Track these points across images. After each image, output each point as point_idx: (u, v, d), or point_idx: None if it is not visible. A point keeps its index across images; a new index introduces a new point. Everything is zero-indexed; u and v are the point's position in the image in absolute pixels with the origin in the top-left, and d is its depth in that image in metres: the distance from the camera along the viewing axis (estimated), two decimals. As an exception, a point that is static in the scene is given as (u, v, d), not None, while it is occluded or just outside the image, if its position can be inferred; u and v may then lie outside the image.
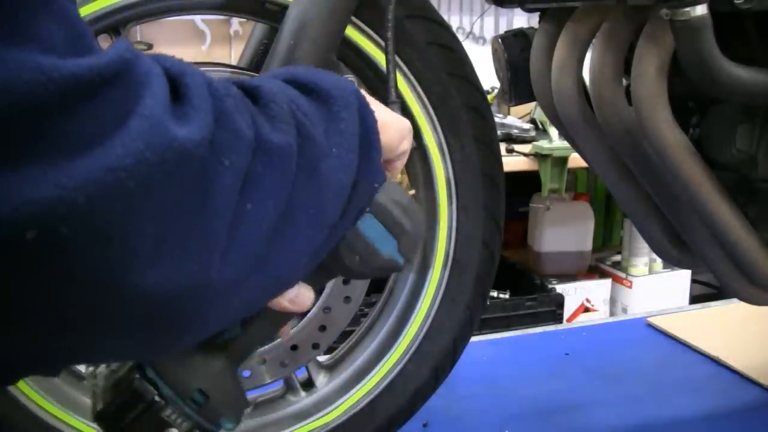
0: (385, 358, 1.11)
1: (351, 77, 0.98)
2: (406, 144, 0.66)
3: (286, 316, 0.68)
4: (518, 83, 1.16)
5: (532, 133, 2.85)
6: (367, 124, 0.57)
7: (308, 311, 1.08)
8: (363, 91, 0.59)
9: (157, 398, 0.64)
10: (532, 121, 2.97)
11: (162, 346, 0.48)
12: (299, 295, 0.63)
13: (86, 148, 0.37)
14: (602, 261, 3.30)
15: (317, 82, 0.56)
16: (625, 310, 3.13)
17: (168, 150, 0.40)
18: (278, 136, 0.49)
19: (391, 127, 0.62)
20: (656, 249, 1.24)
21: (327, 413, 1.10)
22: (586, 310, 3.10)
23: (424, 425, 1.28)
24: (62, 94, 0.36)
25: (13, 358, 0.42)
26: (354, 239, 0.61)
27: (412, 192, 1.04)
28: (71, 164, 0.37)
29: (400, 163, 0.67)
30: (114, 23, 0.92)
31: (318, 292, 1.08)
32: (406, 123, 0.66)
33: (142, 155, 0.39)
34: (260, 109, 0.50)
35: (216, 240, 0.44)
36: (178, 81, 0.44)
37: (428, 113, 1.05)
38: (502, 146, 2.56)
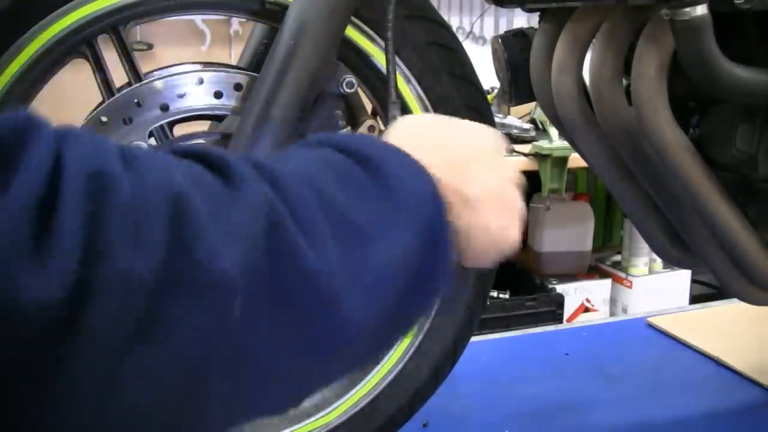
0: (385, 358, 1.11)
1: (351, 77, 0.98)
2: (493, 259, 0.53)
3: None
4: (518, 83, 1.16)
5: (532, 133, 2.85)
6: (437, 252, 0.44)
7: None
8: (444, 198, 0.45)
9: None
10: (532, 121, 2.96)
11: None
12: None
13: None
14: (602, 261, 3.30)
15: (381, 169, 0.42)
16: (625, 310, 3.13)
17: (5, 308, 0.30)
18: (223, 259, 0.35)
19: (486, 241, 0.49)
20: (656, 249, 1.24)
21: (327, 413, 1.10)
22: (586, 310, 3.09)
23: (424, 425, 1.28)
24: None
25: None
26: None
27: None
28: None
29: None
30: (114, 23, 0.92)
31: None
32: (512, 243, 0.53)
33: None
34: (218, 208, 0.36)
35: (75, 403, 0.33)
36: (58, 182, 0.32)
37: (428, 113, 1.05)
38: (502, 146, 2.55)
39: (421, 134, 0.50)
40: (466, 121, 0.53)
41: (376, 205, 0.41)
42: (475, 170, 0.49)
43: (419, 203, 0.43)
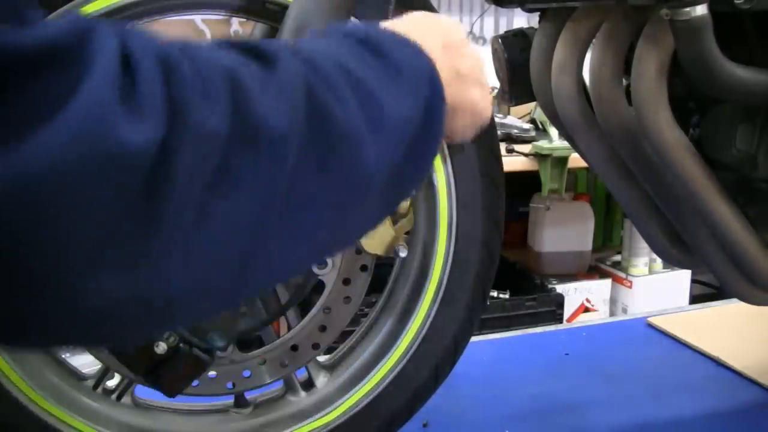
0: (385, 358, 1.11)
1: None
2: (473, 132, 0.63)
3: None
4: (518, 83, 1.16)
5: (532, 133, 2.85)
6: (434, 118, 0.53)
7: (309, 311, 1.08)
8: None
9: None
10: (532, 121, 2.96)
11: (127, 343, 0.45)
12: None
13: (7, 139, 0.33)
14: (602, 261, 3.30)
15: (388, 50, 0.51)
16: (625, 310, 3.13)
17: (107, 153, 0.35)
18: (276, 117, 0.42)
19: (473, 114, 0.59)
20: (656, 249, 1.24)
21: (327, 413, 1.10)
22: (586, 310, 3.09)
23: (424, 425, 1.28)
24: None
25: None
26: None
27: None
28: None
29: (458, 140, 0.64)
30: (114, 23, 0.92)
31: (318, 292, 1.08)
32: (488, 113, 0.63)
33: (76, 151, 0.34)
34: (263, 78, 0.43)
35: (169, 247, 0.39)
36: (131, 62, 0.38)
37: (428, 113, 1.05)
38: (502, 146, 2.56)
39: (418, 24, 0.60)
40: (438, 15, 0.65)
41: (388, 79, 0.50)
42: (461, 50, 0.59)
43: (421, 79, 0.52)
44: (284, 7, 0.93)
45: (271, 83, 0.43)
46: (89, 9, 0.89)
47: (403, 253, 1.03)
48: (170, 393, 0.69)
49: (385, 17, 0.94)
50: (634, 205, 1.19)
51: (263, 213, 0.43)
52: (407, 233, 1.05)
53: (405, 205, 1.03)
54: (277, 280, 0.52)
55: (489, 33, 3.43)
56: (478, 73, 0.62)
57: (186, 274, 0.41)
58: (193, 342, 0.66)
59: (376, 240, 1.02)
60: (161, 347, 0.65)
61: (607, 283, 3.16)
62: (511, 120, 2.90)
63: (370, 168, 0.48)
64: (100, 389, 1.07)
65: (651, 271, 3.15)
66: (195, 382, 1.05)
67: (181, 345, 0.65)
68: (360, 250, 1.04)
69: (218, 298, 0.45)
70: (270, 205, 0.43)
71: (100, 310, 0.38)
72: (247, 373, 1.07)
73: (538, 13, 1.12)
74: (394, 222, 1.02)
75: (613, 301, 3.18)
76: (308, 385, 1.13)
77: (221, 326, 0.67)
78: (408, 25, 0.58)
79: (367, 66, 0.49)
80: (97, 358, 1.03)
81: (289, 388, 1.13)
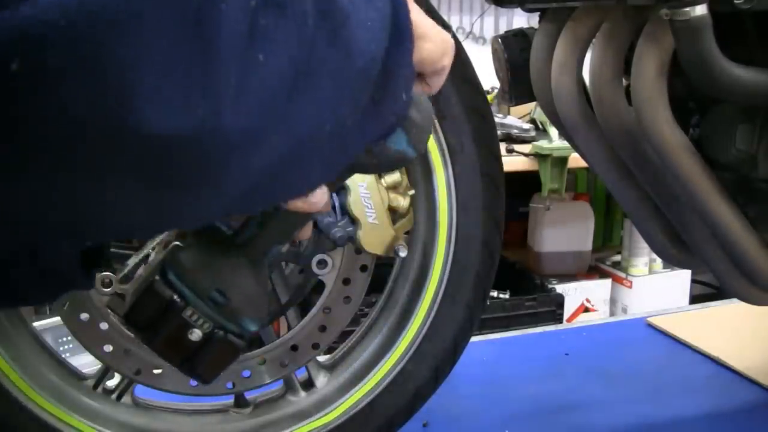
0: (385, 358, 1.11)
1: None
2: (447, 60, 0.64)
3: (302, 217, 0.68)
4: (518, 83, 1.16)
5: (532, 133, 2.85)
6: (400, 14, 0.55)
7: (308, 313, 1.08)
8: None
9: (176, 299, 0.65)
10: (532, 121, 2.97)
11: (178, 204, 0.45)
12: (313, 194, 0.61)
13: None
14: (602, 261, 3.30)
15: None
16: (625, 310, 3.14)
17: None
18: None
19: (433, 38, 0.60)
20: (656, 249, 1.24)
21: (327, 413, 1.10)
22: (586, 310, 3.10)
23: (424, 425, 1.28)
24: None
25: (25, 218, 0.40)
26: None
27: (412, 192, 1.04)
28: None
29: (439, 80, 0.65)
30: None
31: (318, 292, 1.08)
32: (449, 38, 0.64)
33: None
34: None
35: (222, 84, 0.41)
36: None
37: (428, 113, 1.05)
38: (502, 146, 2.56)
39: None
40: None
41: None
42: None
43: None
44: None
45: None
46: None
47: (403, 253, 1.03)
48: (207, 380, 0.70)
49: None
50: (634, 205, 1.19)
51: (293, 69, 0.45)
52: (407, 233, 1.05)
53: (405, 205, 1.03)
54: (314, 153, 0.51)
55: (489, 33, 3.43)
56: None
57: (235, 114, 0.42)
58: (228, 327, 0.66)
59: (376, 240, 1.02)
60: (196, 334, 0.65)
61: (607, 283, 3.17)
62: (511, 120, 2.90)
63: (371, 47, 0.51)
64: (100, 389, 1.07)
65: (651, 271, 3.15)
66: (194, 382, 1.06)
67: (215, 331, 0.66)
68: (360, 250, 1.04)
69: (266, 158, 0.46)
70: (298, 62, 0.45)
71: (158, 141, 0.39)
72: (247, 373, 1.07)
73: (538, 13, 1.12)
74: (394, 222, 1.02)
75: (613, 301, 3.18)
76: (308, 385, 1.13)
77: (253, 310, 0.67)
78: None
79: None
80: (100, 360, 1.03)
81: (289, 388, 1.13)
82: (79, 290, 0.78)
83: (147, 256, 0.74)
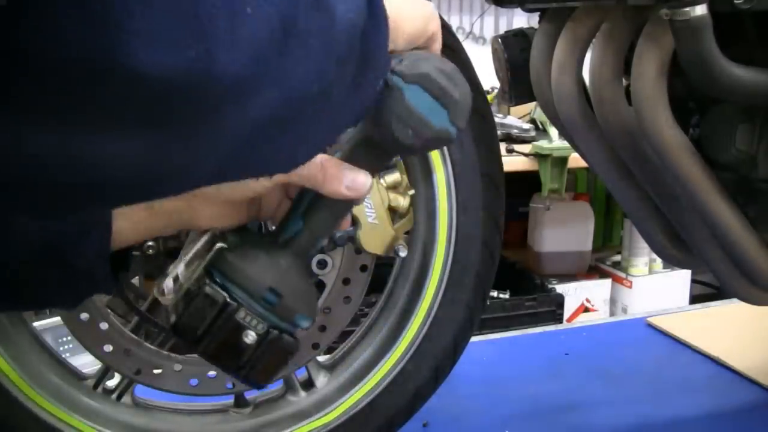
0: (385, 358, 1.11)
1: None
2: (433, 26, 0.65)
3: (345, 205, 0.67)
4: (518, 83, 1.16)
5: (532, 133, 2.85)
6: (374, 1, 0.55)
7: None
8: None
9: (230, 300, 0.64)
10: (532, 121, 2.97)
11: (172, 154, 0.44)
12: (355, 181, 0.62)
13: None
14: (602, 261, 3.30)
15: None
16: (625, 310, 3.14)
17: None
18: None
19: (410, 14, 0.61)
20: (656, 249, 1.24)
21: (327, 413, 1.10)
22: (586, 310, 3.10)
23: (424, 425, 1.28)
24: None
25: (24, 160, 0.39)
26: (404, 112, 0.60)
27: (412, 192, 1.04)
28: None
29: (436, 44, 0.66)
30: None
31: (318, 292, 1.08)
32: (427, 7, 0.65)
33: None
34: None
35: (213, 28, 0.41)
36: None
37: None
38: (502, 146, 2.56)
39: None
40: None
41: None
42: None
43: None
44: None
45: None
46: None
47: (403, 253, 1.03)
48: (264, 383, 0.68)
49: None
50: (634, 205, 1.19)
51: (281, 26, 0.46)
52: (407, 233, 1.05)
53: (405, 204, 1.03)
54: (305, 110, 0.51)
55: (489, 33, 3.43)
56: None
57: (229, 57, 0.42)
58: (282, 326, 0.65)
59: (376, 240, 1.02)
60: (251, 337, 0.64)
61: (607, 283, 3.17)
62: (511, 120, 2.90)
63: (351, 15, 0.51)
64: (100, 389, 1.07)
65: (651, 271, 3.15)
66: (194, 382, 1.06)
67: (270, 331, 0.64)
68: (360, 250, 1.04)
69: (260, 110, 0.46)
70: (286, 21, 0.46)
71: (153, 82, 0.39)
72: (247, 373, 1.07)
73: (538, 13, 1.12)
74: (394, 222, 1.02)
75: (613, 301, 3.18)
76: (308, 385, 1.13)
77: (306, 306, 0.67)
78: None
79: None
80: (100, 360, 1.03)
81: (289, 388, 1.13)
82: (104, 293, 0.77)
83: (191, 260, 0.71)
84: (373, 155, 0.65)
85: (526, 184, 2.89)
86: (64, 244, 0.68)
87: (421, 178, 1.08)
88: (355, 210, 0.99)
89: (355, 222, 1.00)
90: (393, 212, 1.02)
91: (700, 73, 0.95)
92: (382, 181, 1.01)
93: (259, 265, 0.66)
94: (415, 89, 0.60)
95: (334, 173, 0.64)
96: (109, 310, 1.00)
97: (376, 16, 0.55)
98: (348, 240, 1.01)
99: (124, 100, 0.39)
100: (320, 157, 0.63)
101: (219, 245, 0.66)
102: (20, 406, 1.01)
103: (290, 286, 0.66)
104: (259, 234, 0.70)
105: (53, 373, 1.04)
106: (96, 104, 0.39)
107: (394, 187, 1.02)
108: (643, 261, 3.13)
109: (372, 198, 1.00)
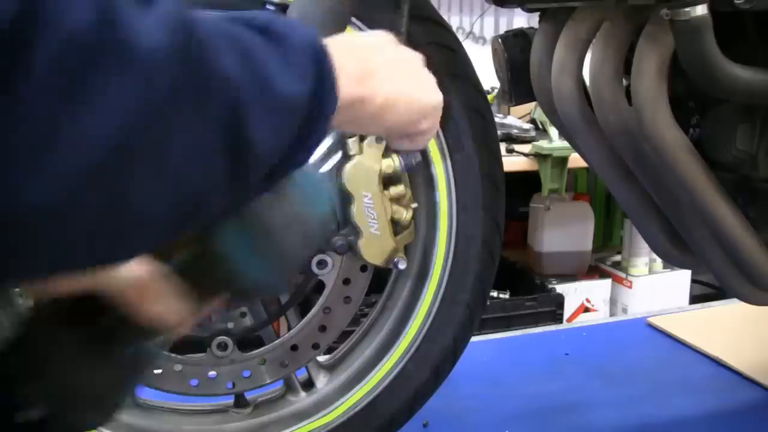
0: (385, 358, 1.11)
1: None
2: (425, 125, 0.63)
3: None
4: (518, 83, 1.16)
5: (532, 133, 2.85)
6: (324, 83, 0.51)
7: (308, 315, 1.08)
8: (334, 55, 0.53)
9: None
10: (532, 121, 2.96)
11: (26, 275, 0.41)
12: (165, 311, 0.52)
13: None
14: (602, 261, 3.30)
15: (273, 25, 0.49)
16: (625, 310, 3.13)
17: None
18: (156, 40, 0.39)
19: (400, 109, 0.59)
20: (656, 249, 1.24)
21: (327, 413, 1.10)
22: (586, 310, 3.09)
23: (424, 425, 1.28)
24: None
25: None
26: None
27: (415, 206, 1.04)
28: None
29: (421, 140, 0.65)
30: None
31: (318, 292, 1.08)
32: (430, 103, 0.63)
33: None
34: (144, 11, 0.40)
35: (20, 152, 0.35)
36: None
37: (428, 113, 1.05)
38: (502, 146, 2.56)
39: (340, 39, 0.60)
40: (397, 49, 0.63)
41: (275, 51, 0.49)
42: (375, 51, 0.59)
43: (308, 51, 0.51)
44: (284, 7, 0.93)
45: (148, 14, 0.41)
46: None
47: (402, 266, 1.03)
48: None
49: (399, 29, 0.94)
50: (634, 205, 1.19)
51: (125, 132, 0.39)
52: (406, 246, 1.05)
53: (407, 217, 1.02)
54: (152, 223, 0.44)
55: (489, 33, 3.43)
56: (400, 65, 0.61)
57: (42, 186, 0.37)
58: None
59: (377, 250, 1.01)
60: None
61: (607, 283, 3.16)
62: (511, 120, 2.90)
63: (252, 141, 0.46)
64: (100, 389, 1.07)
65: (651, 271, 3.15)
66: (194, 382, 1.06)
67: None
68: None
69: (92, 224, 0.40)
70: (135, 126, 0.40)
71: None
72: (247, 373, 1.07)
73: (538, 13, 1.12)
74: (396, 233, 1.02)
75: (613, 301, 3.18)
76: (308, 385, 1.13)
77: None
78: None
79: (256, 41, 0.48)
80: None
81: (289, 388, 1.13)
82: None
83: None
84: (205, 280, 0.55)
85: (526, 184, 2.89)
86: None
87: (421, 179, 1.08)
88: (358, 219, 0.99)
89: (357, 231, 1.00)
90: (395, 224, 1.02)
91: (700, 73, 0.95)
92: (386, 192, 1.00)
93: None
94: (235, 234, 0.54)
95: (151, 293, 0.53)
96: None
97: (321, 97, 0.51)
98: (348, 248, 1.01)
99: None
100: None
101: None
102: (20, 406, 1.01)
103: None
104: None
105: (53, 373, 1.04)
106: None
107: (397, 200, 1.01)
108: (643, 261, 3.12)
109: (375, 208, 1.00)
